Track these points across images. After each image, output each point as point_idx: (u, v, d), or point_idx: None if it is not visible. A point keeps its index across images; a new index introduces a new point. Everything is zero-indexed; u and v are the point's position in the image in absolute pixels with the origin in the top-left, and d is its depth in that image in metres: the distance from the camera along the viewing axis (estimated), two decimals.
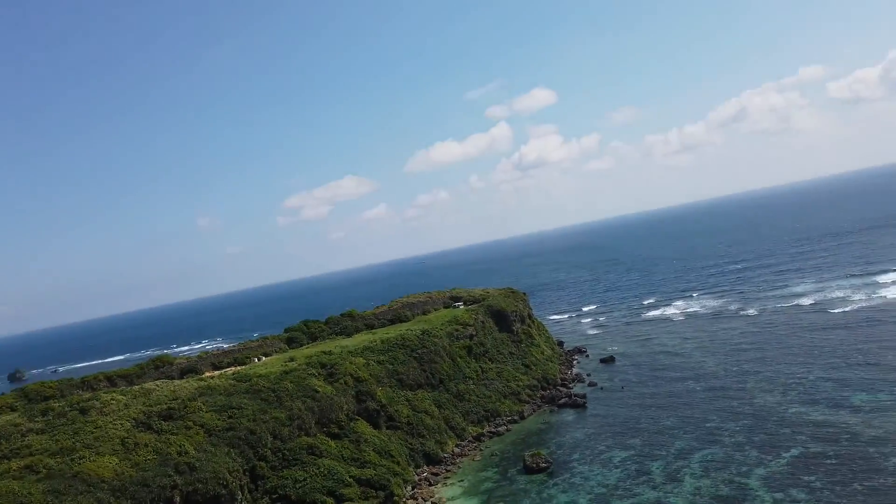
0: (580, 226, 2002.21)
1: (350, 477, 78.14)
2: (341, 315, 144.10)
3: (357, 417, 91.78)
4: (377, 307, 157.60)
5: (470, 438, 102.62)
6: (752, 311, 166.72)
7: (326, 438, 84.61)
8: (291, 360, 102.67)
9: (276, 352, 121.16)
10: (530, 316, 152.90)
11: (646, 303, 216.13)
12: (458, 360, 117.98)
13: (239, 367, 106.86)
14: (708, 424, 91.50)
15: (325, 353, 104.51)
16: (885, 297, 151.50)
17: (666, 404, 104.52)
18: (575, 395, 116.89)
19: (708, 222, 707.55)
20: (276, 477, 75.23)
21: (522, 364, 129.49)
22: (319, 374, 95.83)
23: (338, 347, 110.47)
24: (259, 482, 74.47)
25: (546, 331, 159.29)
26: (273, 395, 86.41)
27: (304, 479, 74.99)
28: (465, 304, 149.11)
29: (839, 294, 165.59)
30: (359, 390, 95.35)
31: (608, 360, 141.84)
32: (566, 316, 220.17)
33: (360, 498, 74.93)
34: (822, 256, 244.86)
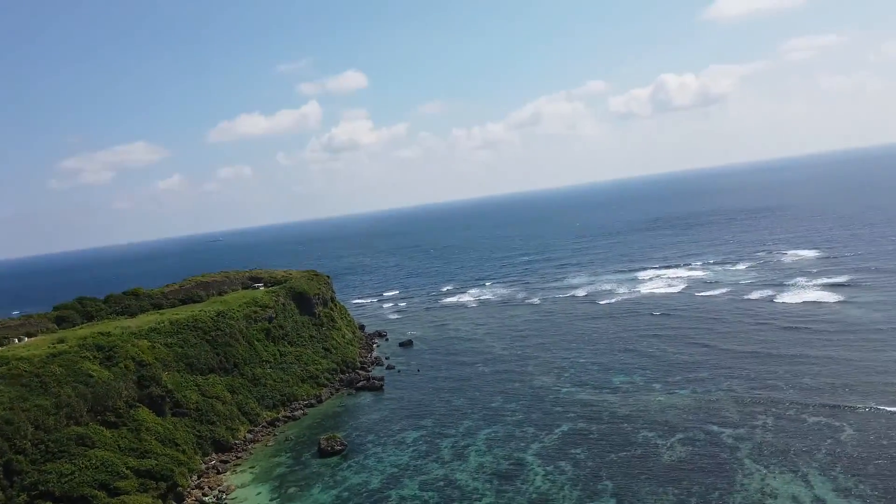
0: (387, 212, 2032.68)
1: (127, 468, 72.14)
2: (124, 293, 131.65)
3: (138, 404, 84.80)
4: (167, 286, 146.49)
5: (264, 424, 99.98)
6: (535, 300, 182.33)
7: (101, 428, 77.12)
8: (61, 341, 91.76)
9: (43, 332, 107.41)
10: (333, 299, 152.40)
11: (444, 289, 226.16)
12: (256, 343, 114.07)
13: None
14: (493, 405, 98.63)
15: (102, 334, 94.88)
16: (640, 291, 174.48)
17: (457, 386, 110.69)
18: (373, 378, 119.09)
19: (504, 216, 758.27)
20: (36, 472, 67.00)
21: (323, 348, 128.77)
22: (95, 357, 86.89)
23: (118, 329, 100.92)
24: (15, 478, 65.80)
25: (348, 314, 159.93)
26: (36, 380, 76.69)
27: (72, 473, 67.73)
28: (265, 285, 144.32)
29: (607, 287, 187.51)
30: (141, 375, 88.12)
31: (406, 344, 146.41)
32: (369, 300, 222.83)
33: (137, 490, 69.53)
34: (595, 253, 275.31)
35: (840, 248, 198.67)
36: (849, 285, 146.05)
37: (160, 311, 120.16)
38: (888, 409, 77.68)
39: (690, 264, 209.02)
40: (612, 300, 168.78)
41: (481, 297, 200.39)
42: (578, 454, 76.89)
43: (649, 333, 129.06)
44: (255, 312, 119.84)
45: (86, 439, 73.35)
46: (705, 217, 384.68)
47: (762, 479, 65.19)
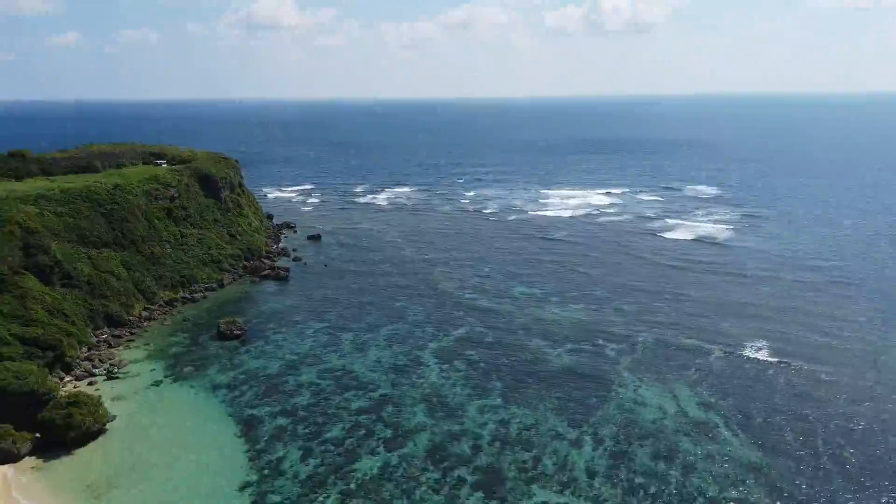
0: (310, 102, 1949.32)
1: (11, 335, 69.07)
2: (9, 154, 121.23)
3: (24, 272, 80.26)
4: (59, 151, 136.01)
5: (161, 303, 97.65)
6: (447, 209, 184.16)
7: None
8: None
9: None
10: (241, 185, 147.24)
11: (359, 189, 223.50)
12: (156, 221, 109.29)
13: None
14: (396, 304, 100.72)
15: None
16: (549, 210, 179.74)
17: (363, 283, 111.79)
18: (279, 269, 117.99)
19: (432, 120, 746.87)
20: None
21: (227, 233, 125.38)
22: None
23: (3, 191, 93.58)
24: None
25: (256, 203, 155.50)
26: None
27: None
28: (168, 162, 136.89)
29: (518, 203, 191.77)
30: (28, 242, 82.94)
31: (315, 238, 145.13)
32: (281, 191, 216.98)
33: (23, 357, 66.98)
34: (513, 168, 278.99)
35: (742, 190, 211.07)
36: (737, 228, 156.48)
37: (50, 177, 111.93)
38: (745, 351, 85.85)
39: (601, 189, 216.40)
40: (522, 216, 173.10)
41: (395, 200, 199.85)
42: (473, 356, 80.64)
43: (552, 251, 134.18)
44: (157, 190, 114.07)
45: None
46: (624, 144, 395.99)
47: (636, 390, 71.23)
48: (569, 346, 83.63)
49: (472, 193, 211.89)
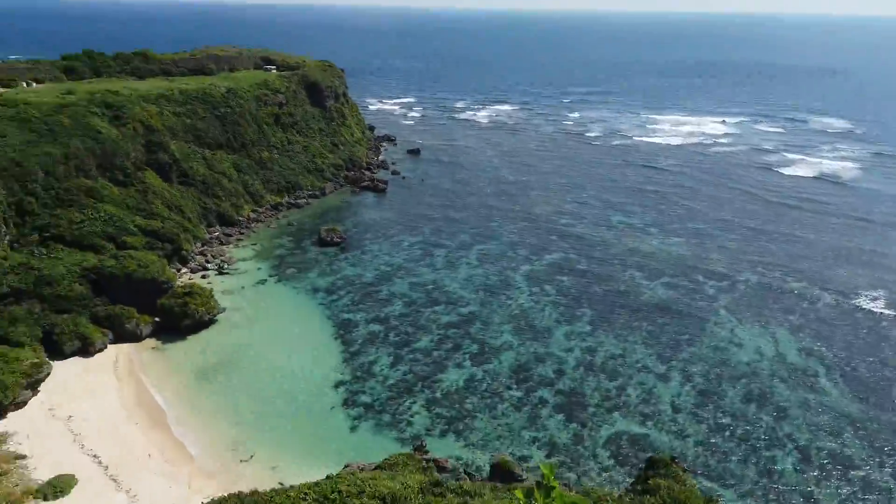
0: (422, 11, 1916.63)
1: (134, 226, 74.85)
2: (133, 53, 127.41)
3: (146, 168, 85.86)
4: (178, 53, 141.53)
5: (268, 206, 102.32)
6: (550, 130, 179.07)
7: (109, 184, 78.67)
8: (69, 92, 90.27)
9: (51, 80, 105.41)
10: (345, 95, 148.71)
11: (462, 103, 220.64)
12: (265, 126, 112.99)
13: (2, 90, 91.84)
14: (491, 224, 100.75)
15: (111, 92, 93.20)
16: (658, 136, 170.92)
17: (458, 201, 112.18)
18: (377, 180, 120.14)
19: (532, 35, 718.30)
20: (48, 214, 69.44)
21: (331, 142, 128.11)
22: (104, 114, 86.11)
23: (127, 89, 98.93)
24: (27, 218, 68.35)
25: (359, 114, 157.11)
26: (45, 128, 76.69)
27: (82, 222, 70.27)
28: (278, 68, 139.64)
29: (625, 127, 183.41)
30: (150, 140, 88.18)
31: (414, 152, 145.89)
32: (383, 103, 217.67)
33: (144, 248, 72.73)
34: (623, 90, 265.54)
35: (877, 126, 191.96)
36: (865, 168, 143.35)
37: (170, 77, 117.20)
38: (859, 300, 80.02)
39: (716, 116, 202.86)
40: (627, 142, 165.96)
41: (496, 118, 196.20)
42: (564, 281, 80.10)
43: (656, 180, 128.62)
44: (266, 96, 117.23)
45: (94, 192, 75.15)
46: (745, 68, 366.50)
47: (732, 330, 68.82)
48: (665, 279, 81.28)
49: (575, 115, 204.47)
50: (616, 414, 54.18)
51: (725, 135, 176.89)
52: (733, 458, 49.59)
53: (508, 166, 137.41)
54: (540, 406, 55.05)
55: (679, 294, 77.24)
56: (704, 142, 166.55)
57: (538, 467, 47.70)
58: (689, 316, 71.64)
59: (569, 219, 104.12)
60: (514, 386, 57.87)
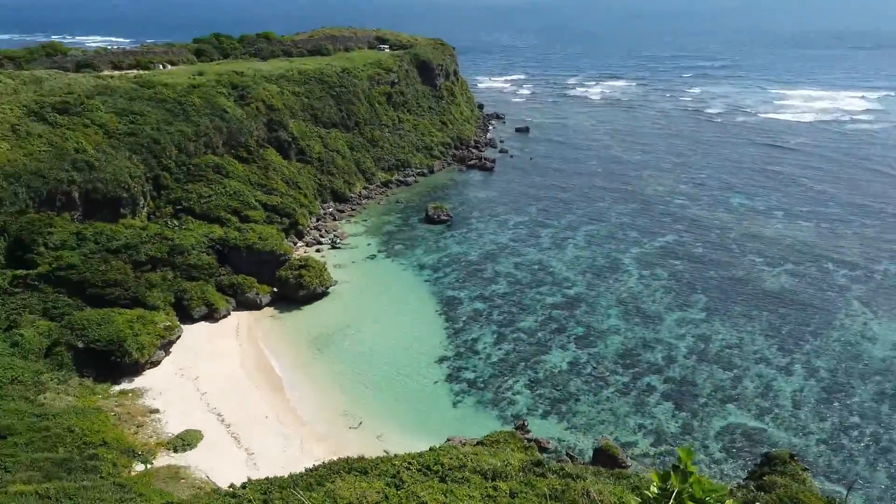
0: None
1: (256, 200, 79.21)
2: (257, 35, 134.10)
3: (267, 145, 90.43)
4: (297, 34, 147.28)
5: (378, 184, 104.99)
6: (667, 106, 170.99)
7: (234, 160, 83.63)
8: (200, 73, 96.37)
9: (184, 62, 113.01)
10: (455, 73, 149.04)
11: (574, 80, 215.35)
12: (377, 105, 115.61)
13: (141, 72, 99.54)
14: (600, 204, 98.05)
15: (236, 73, 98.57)
16: (790, 113, 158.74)
17: (567, 180, 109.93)
18: (485, 159, 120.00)
19: (653, 6, 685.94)
20: (180, 189, 74.94)
21: (440, 120, 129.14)
22: (230, 94, 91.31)
23: (251, 70, 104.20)
24: (162, 191, 74.12)
25: (469, 91, 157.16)
26: (179, 107, 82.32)
27: (210, 196, 75.27)
28: (390, 47, 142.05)
29: (750, 102, 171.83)
30: (271, 119, 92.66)
31: (523, 130, 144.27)
32: (492, 81, 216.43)
33: (264, 221, 76.88)
34: (753, 61, 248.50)
35: None
36: None
37: (290, 58, 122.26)
38: None
39: (855, 91, 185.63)
40: (751, 119, 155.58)
41: (609, 95, 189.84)
42: (677, 266, 76.74)
43: (783, 160, 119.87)
44: (379, 75, 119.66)
45: (221, 168, 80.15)
46: (890, 38, 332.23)
47: (866, 323, 63.34)
48: (789, 266, 75.92)
49: (695, 90, 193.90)
50: (730, 406, 51.55)
51: (866, 111, 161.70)
52: (861, 459, 45.90)
53: (621, 145, 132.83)
54: (647, 393, 53.38)
55: (805, 283, 71.92)
56: (840, 119, 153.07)
57: (644, 455, 46.42)
58: (816, 307, 66.59)
59: (684, 200, 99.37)
60: (621, 371, 56.42)
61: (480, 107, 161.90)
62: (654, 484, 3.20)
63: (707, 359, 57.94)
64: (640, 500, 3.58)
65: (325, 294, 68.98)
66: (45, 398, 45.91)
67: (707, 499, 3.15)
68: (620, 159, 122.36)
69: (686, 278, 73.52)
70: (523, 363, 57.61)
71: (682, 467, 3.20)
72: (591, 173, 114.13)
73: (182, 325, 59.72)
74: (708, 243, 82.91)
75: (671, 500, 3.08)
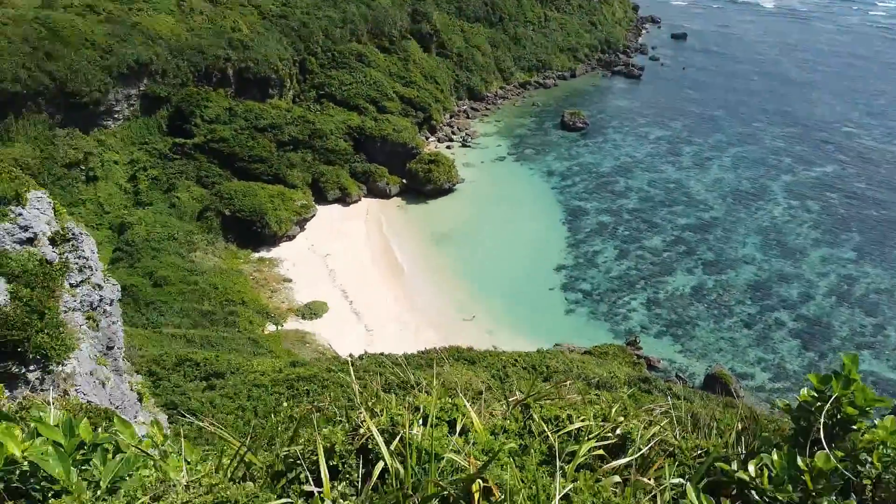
0: None
1: (394, 92, 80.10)
2: None
3: (409, 37, 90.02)
4: None
5: (515, 84, 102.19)
6: (851, 20, 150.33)
7: (376, 50, 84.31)
8: None
9: None
10: None
11: None
12: (524, 0, 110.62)
13: None
14: (754, 124, 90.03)
15: None
16: None
17: (720, 96, 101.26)
18: (633, 66, 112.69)
19: None
20: (324, 74, 77.14)
21: (589, 21, 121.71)
22: None
23: None
24: (307, 76, 76.69)
25: None
26: None
27: (351, 84, 76.97)
28: None
29: None
30: (415, 9, 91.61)
31: (679, 37, 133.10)
32: None
33: (400, 113, 77.92)
34: None
35: None
36: None
37: None
38: None
39: None
40: None
41: (786, 3, 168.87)
42: (832, 199, 69.92)
43: None
44: None
45: (363, 57, 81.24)
46: None
47: None
48: None
49: (890, 3, 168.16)
50: (866, 352, 47.82)
51: None
52: None
53: (789, 61, 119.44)
54: (774, 328, 50.58)
55: None
56: None
57: (759, 388, 44.67)
58: None
59: (852, 128, 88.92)
60: (749, 301, 53.61)
61: (635, 8, 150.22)
62: (814, 383, 2.96)
63: (849, 301, 53.56)
64: (786, 402, 3.34)
65: (451, 190, 69.86)
66: (195, 256, 51.14)
67: (868, 409, 2.87)
68: (786, 77, 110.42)
69: (840, 214, 67.05)
70: (643, 281, 56.18)
71: (844, 374, 2.91)
72: (749, 91, 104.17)
73: (316, 206, 63.23)
74: (872, 179, 74.44)
75: (828, 404, 2.83)
